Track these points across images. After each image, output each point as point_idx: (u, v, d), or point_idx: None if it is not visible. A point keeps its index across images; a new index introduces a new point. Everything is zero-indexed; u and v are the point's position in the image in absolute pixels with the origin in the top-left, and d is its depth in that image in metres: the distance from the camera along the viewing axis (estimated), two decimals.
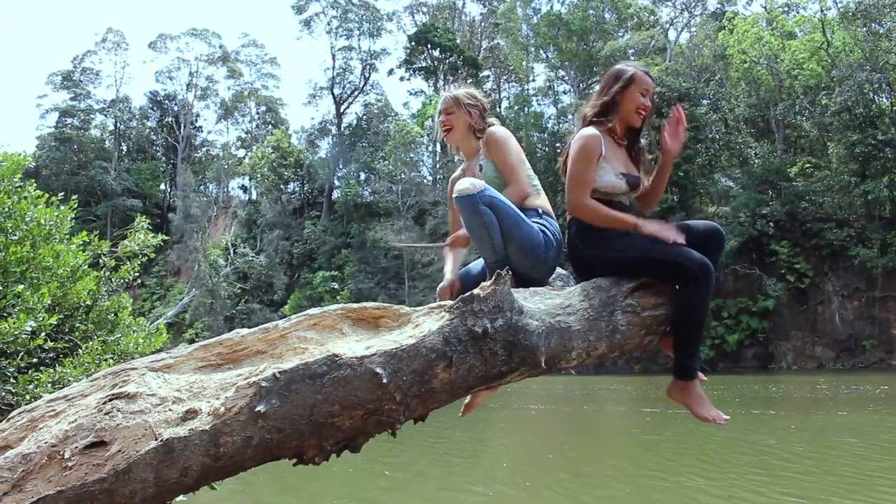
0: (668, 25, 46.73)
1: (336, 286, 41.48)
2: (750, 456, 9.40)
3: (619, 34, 47.22)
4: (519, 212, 2.71)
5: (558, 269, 2.91)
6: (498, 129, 3.04)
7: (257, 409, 1.87)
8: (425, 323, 2.20)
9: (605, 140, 2.85)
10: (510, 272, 2.30)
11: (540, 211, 2.88)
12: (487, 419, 15.34)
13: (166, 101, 64.08)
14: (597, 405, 18.82)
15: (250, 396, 1.89)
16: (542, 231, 2.77)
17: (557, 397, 21.37)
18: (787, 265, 31.95)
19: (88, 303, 4.23)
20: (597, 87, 3.06)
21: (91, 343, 3.93)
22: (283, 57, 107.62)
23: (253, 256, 47.67)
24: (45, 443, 1.78)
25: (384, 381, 1.99)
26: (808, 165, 34.89)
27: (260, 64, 63.83)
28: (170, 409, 1.87)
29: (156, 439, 1.80)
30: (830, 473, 8.21)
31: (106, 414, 1.82)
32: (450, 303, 2.23)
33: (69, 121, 58.45)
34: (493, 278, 2.23)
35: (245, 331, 2.14)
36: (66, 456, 1.75)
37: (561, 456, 10.49)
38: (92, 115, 61.05)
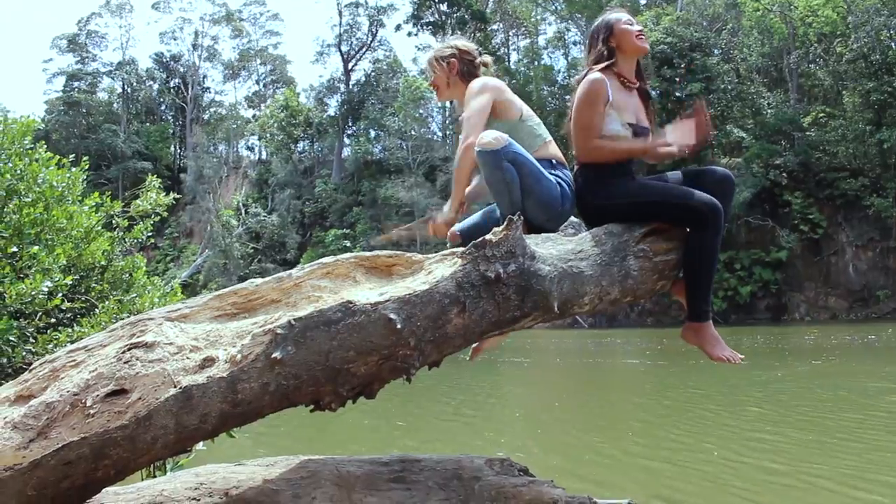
0: None
1: (348, 244, 41.49)
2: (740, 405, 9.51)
3: None
4: (540, 167, 2.69)
5: (570, 217, 2.90)
6: (474, 84, 2.93)
7: (273, 355, 1.89)
8: (438, 269, 2.20)
9: (612, 85, 2.77)
10: (522, 218, 2.29)
11: (554, 161, 2.83)
12: (499, 371, 15.49)
13: (172, 63, 63.55)
14: (610, 358, 18.92)
15: (266, 343, 1.91)
16: (559, 184, 2.75)
17: (569, 350, 21.50)
18: (800, 216, 31.72)
19: (103, 263, 4.25)
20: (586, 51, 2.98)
21: (107, 303, 3.96)
22: (289, 15, 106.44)
23: (265, 216, 47.73)
24: (68, 391, 1.82)
25: (398, 326, 2.01)
26: (822, 115, 34.31)
27: (263, 21, 63.19)
28: (187, 358, 1.90)
29: (175, 387, 1.83)
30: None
31: (125, 363, 1.85)
32: (462, 249, 2.24)
33: (76, 84, 58.05)
34: (505, 224, 2.23)
35: (259, 280, 2.15)
36: (88, 404, 1.79)
37: (572, 405, 10.61)
38: (99, 79, 60.64)
